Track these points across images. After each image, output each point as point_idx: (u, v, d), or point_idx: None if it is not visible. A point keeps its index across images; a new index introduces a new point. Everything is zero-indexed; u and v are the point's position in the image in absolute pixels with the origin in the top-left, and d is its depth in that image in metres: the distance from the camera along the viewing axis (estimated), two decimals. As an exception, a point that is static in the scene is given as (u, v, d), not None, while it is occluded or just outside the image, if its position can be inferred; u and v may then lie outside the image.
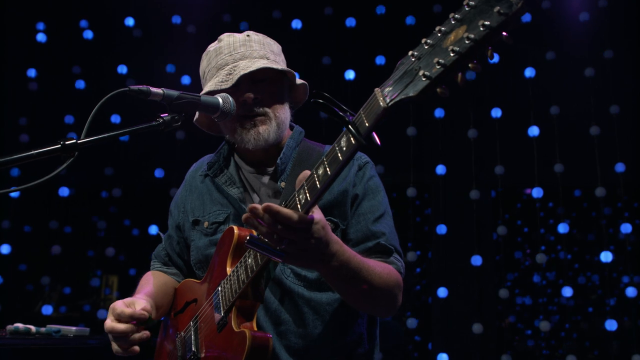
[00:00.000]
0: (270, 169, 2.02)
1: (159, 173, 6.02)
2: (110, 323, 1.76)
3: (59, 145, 1.55)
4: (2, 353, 2.98)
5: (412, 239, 5.71)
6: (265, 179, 2.04)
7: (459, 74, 1.14)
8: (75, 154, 1.56)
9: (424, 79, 1.16)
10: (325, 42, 5.98)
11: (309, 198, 1.42)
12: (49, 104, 6.18)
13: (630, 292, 5.44)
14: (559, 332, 8.84)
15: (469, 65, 1.12)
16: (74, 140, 1.56)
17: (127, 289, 7.68)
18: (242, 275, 1.71)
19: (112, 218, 6.17)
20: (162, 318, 2.16)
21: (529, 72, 5.72)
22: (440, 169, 5.75)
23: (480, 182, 5.67)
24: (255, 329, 1.74)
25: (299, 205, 1.44)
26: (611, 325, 5.28)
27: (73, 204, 6.35)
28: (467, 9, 1.13)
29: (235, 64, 1.92)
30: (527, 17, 5.74)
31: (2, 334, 3.06)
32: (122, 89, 1.64)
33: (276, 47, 2.05)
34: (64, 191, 5.88)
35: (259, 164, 2.04)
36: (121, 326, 1.75)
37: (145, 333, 1.79)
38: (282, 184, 1.96)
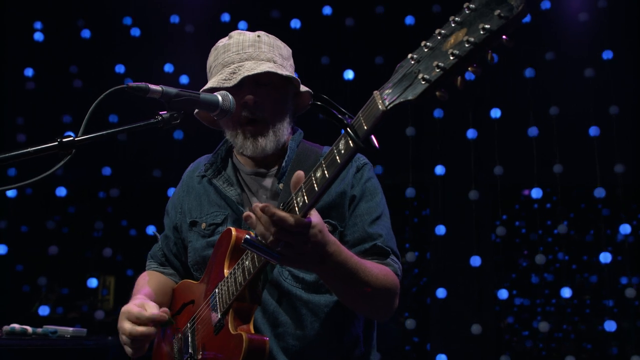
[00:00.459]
0: (272, 171, 2.01)
1: (156, 173, 5.99)
2: (130, 326, 1.77)
3: (56, 143, 1.53)
4: (-2, 354, 2.96)
5: (410, 240, 5.70)
6: (265, 180, 2.03)
7: (459, 78, 1.14)
8: (72, 152, 1.54)
9: (423, 82, 1.15)
10: (324, 42, 5.96)
11: (306, 201, 1.42)
12: (47, 104, 6.15)
13: (629, 293, 5.43)
14: (558, 333, 8.83)
15: (469, 68, 1.12)
16: (72, 138, 1.54)
17: (125, 290, 7.65)
18: (240, 278, 1.70)
19: (109, 218, 6.14)
20: None
21: (529, 73, 5.71)
22: (440, 170, 5.74)
23: (479, 183, 5.66)
24: (253, 331, 1.73)
25: (296, 208, 1.43)
26: (610, 326, 5.27)
27: (70, 204, 6.33)
28: (467, 11, 1.12)
29: (241, 63, 1.90)
30: (526, 18, 5.73)
31: (-1, 335, 3.04)
32: (120, 86, 1.63)
33: (286, 51, 2.03)
34: (61, 191, 5.86)
35: (259, 165, 2.02)
36: (142, 329, 1.76)
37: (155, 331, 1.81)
38: (281, 186, 1.95)
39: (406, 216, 5.76)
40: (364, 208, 1.91)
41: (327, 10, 6.05)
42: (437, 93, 1.15)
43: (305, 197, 1.42)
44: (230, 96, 1.81)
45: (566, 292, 5.48)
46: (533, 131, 5.61)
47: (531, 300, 9.30)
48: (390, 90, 1.23)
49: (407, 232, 5.66)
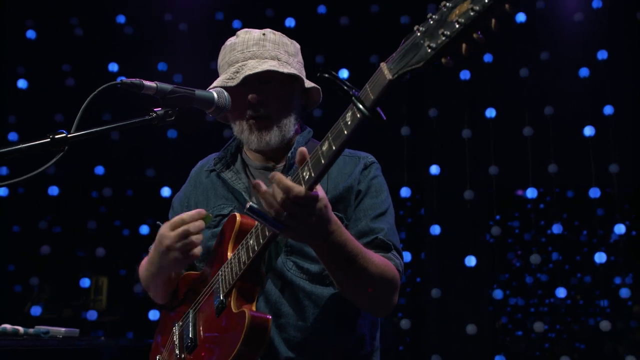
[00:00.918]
0: (279, 166, 2.02)
1: (150, 172, 5.96)
2: (175, 232, 1.79)
3: (49, 140, 1.50)
4: (-11, 355, 2.93)
5: (404, 240, 5.69)
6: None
7: (464, 45, 1.19)
8: (65, 149, 1.51)
9: (429, 50, 1.22)
10: (319, 40, 5.95)
11: (312, 174, 1.45)
12: (39, 102, 6.11)
13: (624, 292, 5.44)
14: (552, 333, 8.86)
15: (474, 35, 1.17)
16: (64, 134, 1.51)
17: (117, 290, 7.62)
18: (243, 257, 1.72)
19: (102, 218, 6.10)
20: (159, 313, 2.14)
21: (524, 72, 5.71)
22: (435, 169, 5.73)
23: (474, 183, 5.65)
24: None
25: (302, 182, 1.46)
26: (605, 325, 5.27)
27: (63, 203, 6.28)
28: None
29: (244, 62, 1.91)
30: (521, 18, 5.74)
31: (-11, 335, 3.01)
32: (114, 82, 1.60)
33: (292, 47, 2.02)
34: (53, 190, 5.82)
35: (268, 160, 2.03)
36: (191, 225, 1.79)
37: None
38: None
39: (401, 216, 5.75)
40: (368, 203, 1.92)
41: (321, 9, 6.04)
42: (443, 60, 1.21)
43: (312, 171, 1.45)
44: (225, 93, 1.80)
45: (561, 292, 5.48)
46: (528, 131, 5.61)
47: (525, 300, 9.33)
48: (396, 60, 1.28)
49: (402, 232, 5.64)
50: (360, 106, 1.33)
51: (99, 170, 5.92)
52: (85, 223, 5.88)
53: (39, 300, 6.39)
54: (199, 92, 1.75)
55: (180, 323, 1.95)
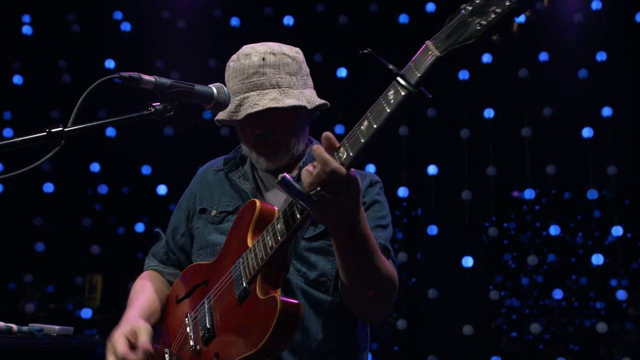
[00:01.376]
0: (292, 174, 1.97)
1: (146, 170, 5.92)
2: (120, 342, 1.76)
3: (45, 133, 1.46)
4: (-18, 352, 2.90)
5: (401, 240, 5.68)
6: None
7: (515, 23, 1.23)
8: (62, 143, 1.48)
9: (478, 27, 1.23)
10: (318, 39, 5.93)
11: (350, 154, 1.41)
12: (35, 98, 6.07)
13: (621, 295, 5.43)
14: (548, 334, 8.86)
15: (526, 12, 1.21)
16: (61, 128, 1.48)
17: (112, 288, 7.59)
18: (270, 242, 1.65)
19: (97, 215, 6.06)
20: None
21: (523, 73, 5.69)
22: (432, 169, 5.72)
23: (472, 183, 5.63)
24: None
25: (340, 162, 1.43)
26: (603, 327, 5.26)
27: (58, 200, 6.24)
28: None
29: (246, 94, 1.87)
30: (521, 18, 5.72)
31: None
32: (112, 75, 1.58)
33: (294, 65, 1.94)
34: (48, 187, 5.78)
35: (277, 170, 1.97)
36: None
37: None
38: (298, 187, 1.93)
39: (398, 216, 5.74)
40: (372, 215, 1.90)
41: (320, 7, 6.01)
42: (494, 37, 1.24)
43: (349, 150, 1.41)
44: (225, 89, 1.78)
45: (558, 294, 5.47)
46: (527, 132, 5.59)
47: (522, 301, 9.33)
48: (442, 39, 1.29)
49: (399, 232, 5.63)
50: (405, 83, 1.32)
51: (95, 167, 5.87)
52: (80, 220, 5.85)
53: (33, 298, 6.36)
54: (198, 87, 1.73)
55: (193, 314, 1.89)
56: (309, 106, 1.93)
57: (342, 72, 5.72)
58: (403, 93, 1.33)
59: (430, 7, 5.80)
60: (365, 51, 1.39)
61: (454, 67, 5.70)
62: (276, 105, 1.85)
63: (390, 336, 7.06)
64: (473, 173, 5.77)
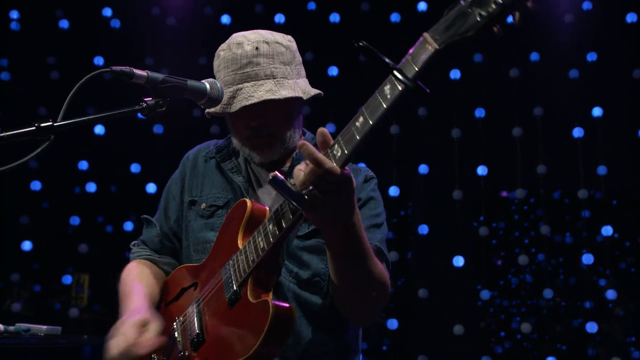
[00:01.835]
0: (284, 167, 1.95)
1: (135, 168, 5.87)
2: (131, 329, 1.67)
3: (34, 128, 1.43)
4: (-33, 352, 2.85)
5: (391, 239, 5.67)
6: None
7: (517, 13, 1.18)
8: (51, 138, 1.44)
9: (478, 18, 1.19)
10: (308, 37, 5.89)
11: (345, 151, 1.36)
12: (23, 95, 6.01)
13: (610, 294, 5.45)
14: (538, 334, 8.88)
15: (527, 3, 1.17)
16: (51, 123, 1.44)
17: (99, 287, 7.53)
18: (262, 243, 1.60)
19: (85, 214, 6.01)
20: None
21: (514, 73, 5.70)
22: (423, 169, 5.71)
23: (463, 182, 5.63)
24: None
25: (334, 160, 1.38)
26: (591, 327, 5.28)
27: (45, 198, 6.18)
28: None
29: (239, 85, 1.82)
30: (511, 19, 5.73)
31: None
32: (104, 70, 1.55)
33: (288, 53, 1.89)
34: (35, 185, 5.72)
35: (270, 163, 1.94)
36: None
37: None
38: (291, 182, 1.89)
39: (388, 215, 5.71)
40: (366, 214, 1.87)
41: (311, 5, 5.99)
42: (494, 29, 1.19)
43: (344, 148, 1.36)
44: (218, 84, 1.74)
45: (548, 293, 5.48)
46: (517, 131, 5.60)
47: (512, 301, 9.35)
48: (441, 31, 1.24)
49: (389, 231, 5.62)
50: (402, 78, 1.27)
51: (83, 165, 5.82)
52: (68, 219, 5.79)
53: (20, 297, 6.29)
54: (191, 82, 1.70)
55: (181, 319, 1.84)
56: (305, 97, 1.89)
57: (333, 71, 5.70)
58: (400, 88, 1.27)
59: (422, 6, 5.79)
60: (360, 44, 1.33)
61: (446, 66, 5.69)
62: (272, 96, 1.80)
63: (380, 336, 7.05)
64: (464, 172, 5.77)
